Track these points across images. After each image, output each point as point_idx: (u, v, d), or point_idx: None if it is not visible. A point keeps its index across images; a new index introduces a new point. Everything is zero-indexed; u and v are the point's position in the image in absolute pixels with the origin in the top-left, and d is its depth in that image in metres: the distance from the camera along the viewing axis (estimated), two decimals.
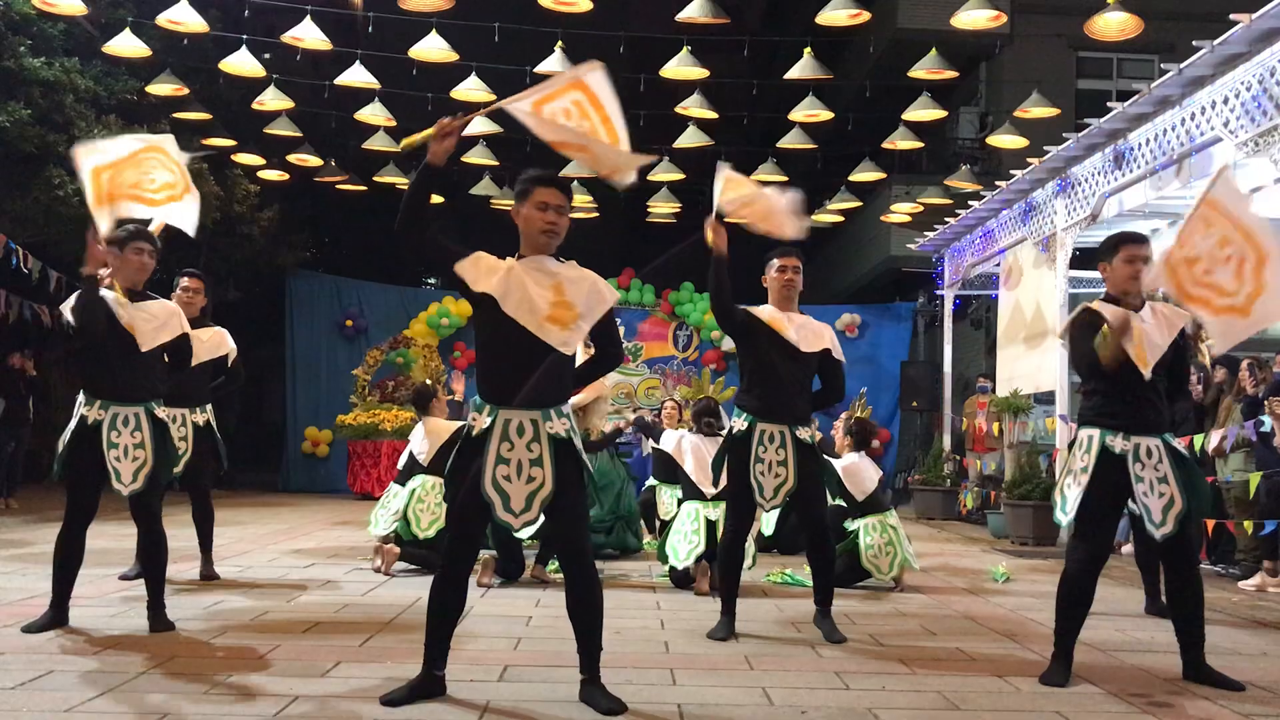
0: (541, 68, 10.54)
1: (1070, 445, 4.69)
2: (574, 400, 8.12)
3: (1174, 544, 4.45)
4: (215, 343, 6.71)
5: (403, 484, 7.34)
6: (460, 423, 7.86)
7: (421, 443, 7.32)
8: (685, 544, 6.69)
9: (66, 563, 5.00)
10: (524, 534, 6.79)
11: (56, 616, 4.97)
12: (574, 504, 3.95)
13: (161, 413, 5.15)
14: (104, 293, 4.96)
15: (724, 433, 6.08)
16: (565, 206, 3.95)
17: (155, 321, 5.10)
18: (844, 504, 7.12)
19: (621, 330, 18.29)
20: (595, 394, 7.90)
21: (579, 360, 4.16)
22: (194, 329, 6.58)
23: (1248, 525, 7.67)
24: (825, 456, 7.43)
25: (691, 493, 6.90)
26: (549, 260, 3.94)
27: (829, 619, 5.33)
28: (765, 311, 5.33)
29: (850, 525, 7.12)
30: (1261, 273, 4.18)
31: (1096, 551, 4.49)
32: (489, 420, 3.86)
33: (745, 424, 5.28)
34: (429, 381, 12.45)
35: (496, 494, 3.82)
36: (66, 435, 5.01)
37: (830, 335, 5.40)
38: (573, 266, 3.98)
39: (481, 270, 3.87)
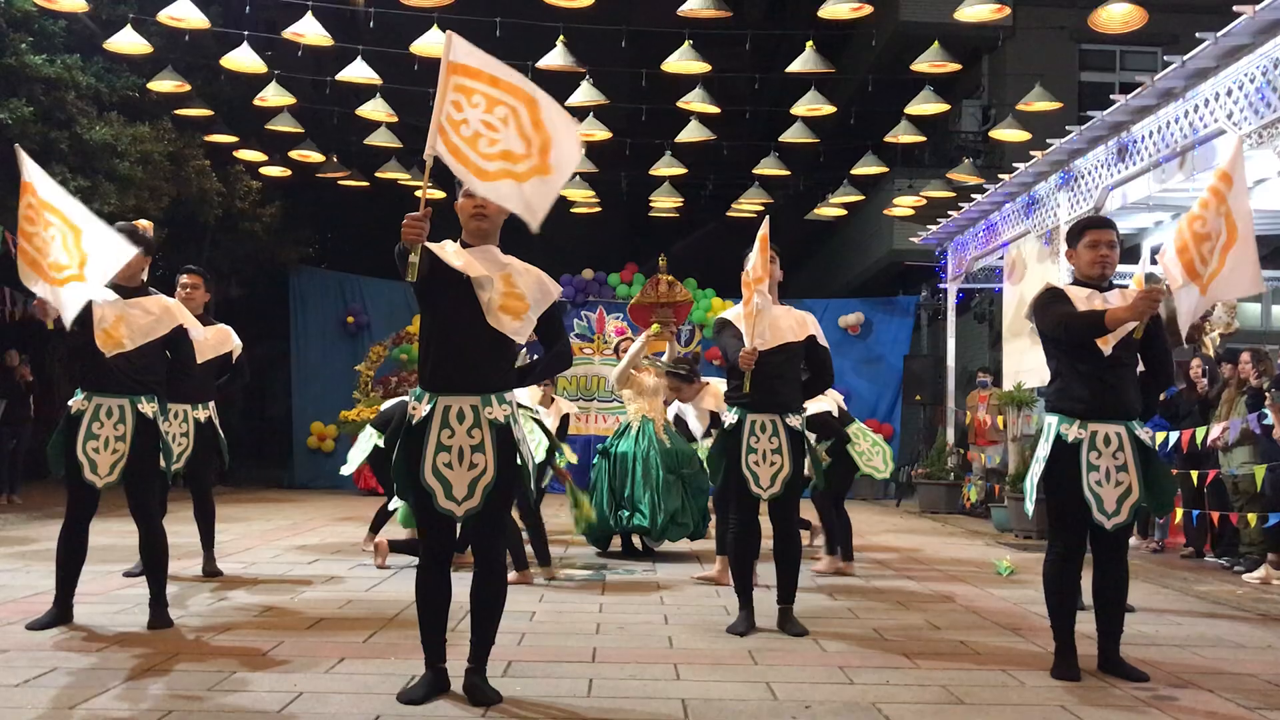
0: (543, 63, 10.52)
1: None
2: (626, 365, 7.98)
3: (1112, 533, 4.39)
4: (219, 340, 6.68)
5: None
6: None
7: None
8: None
9: (69, 559, 5.00)
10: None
11: (60, 613, 4.97)
12: (502, 493, 3.91)
13: (147, 408, 5.01)
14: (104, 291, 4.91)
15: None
16: None
17: (148, 318, 5.04)
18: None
19: (626, 326, 17.94)
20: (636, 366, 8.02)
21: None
22: None
23: (1252, 518, 7.66)
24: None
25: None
26: (496, 251, 3.95)
27: (791, 617, 5.27)
28: (735, 310, 5.35)
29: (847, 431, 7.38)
30: (1227, 254, 4.21)
31: (1067, 541, 4.45)
32: (428, 408, 3.84)
33: (735, 417, 5.28)
34: None
35: (437, 482, 3.79)
36: (58, 429, 4.99)
37: (814, 322, 5.42)
38: (517, 261, 3.97)
39: (446, 253, 3.85)
